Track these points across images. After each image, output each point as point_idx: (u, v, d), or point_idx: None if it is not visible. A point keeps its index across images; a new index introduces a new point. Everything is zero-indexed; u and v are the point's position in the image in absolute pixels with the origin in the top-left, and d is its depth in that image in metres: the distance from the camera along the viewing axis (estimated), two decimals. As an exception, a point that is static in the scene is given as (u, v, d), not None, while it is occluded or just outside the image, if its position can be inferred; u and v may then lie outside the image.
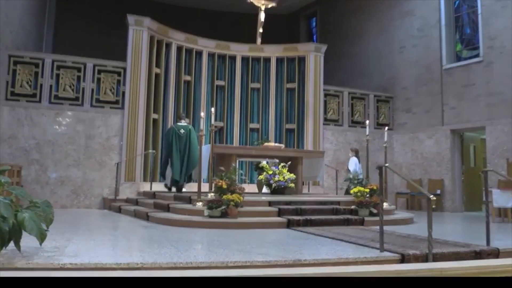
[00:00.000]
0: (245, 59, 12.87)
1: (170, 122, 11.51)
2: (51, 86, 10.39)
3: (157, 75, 11.52)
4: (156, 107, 11.43)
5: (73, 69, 10.61)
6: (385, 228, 5.38)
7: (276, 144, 10.78)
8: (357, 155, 10.84)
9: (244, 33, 13.46)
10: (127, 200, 10.12)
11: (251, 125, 12.76)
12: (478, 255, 4.77)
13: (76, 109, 10.51)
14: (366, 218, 7.52)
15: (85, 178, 10.38)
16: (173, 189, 9.61)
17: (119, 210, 9.35)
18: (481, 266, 2.21)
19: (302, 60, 12.89)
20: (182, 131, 9.51)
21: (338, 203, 8.18)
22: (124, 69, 10.97)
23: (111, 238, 5.56)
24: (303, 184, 10.66)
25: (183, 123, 9.70)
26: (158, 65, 11.56)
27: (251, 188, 10.75)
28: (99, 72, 10.81)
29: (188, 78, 12.13)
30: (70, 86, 10.53)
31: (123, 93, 10.90)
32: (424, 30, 12.94)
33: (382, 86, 14.17)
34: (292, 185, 8.89)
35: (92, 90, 10.68)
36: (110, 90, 10.85)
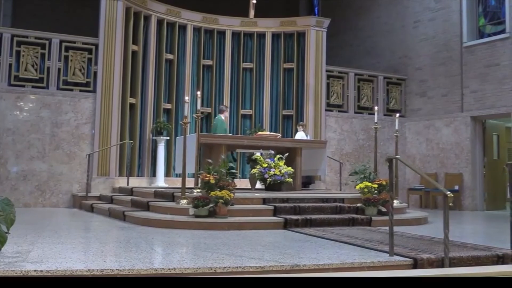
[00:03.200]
0: (236, 35, 12.82)
1: (149, 107, 11.48)
2: (10, 65, 10.28)
3: (134, 53, 11.45)
4: (134, 90, 11.38)
5: (36, 45, 10.51)
6: (396, 229, 5.42)
7: (272, 133, 10.78)
8: (304, 131, 11.06)
9: (234, 5, 13.38)
10: (101, 198, 10.10)
11: (243, 111, 12.75)
12: (500, 259, 4.82)
13: (40, 92, 10.43)
14: (373, 218, 7.55)
15: (52, 172, 10.34)
16: None
17: (91, 209, 9.33)
18: (504, 272, 2.25)
19: (301, 36, 12.86)
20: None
21: (342, 200, 8.22)
22: (96, 45, 10.87)
23: (82, 241, 5.56)
24: (309, 183, 10.71)
25: (222, 117, 10.57)
26: (135, 41, 11.48)
27: (243, 183, 10.77)
28: (67, 49, 10.71)
29: (170, 56, 12.07)
30: (32, 66, 10.43)
31: (95, 73, 10.82)
32: (442, 1, 12.95)
33: (393, 67, 14.18)
34: (290, 180, 8.92)
35: (59, 70, 10.59)
36: (80, 70, 10.77)
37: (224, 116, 10.82)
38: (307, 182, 11.34)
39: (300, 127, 11.22)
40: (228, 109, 11.71)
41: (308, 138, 10.89)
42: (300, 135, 10.81)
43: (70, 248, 4.79)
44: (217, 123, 10.60)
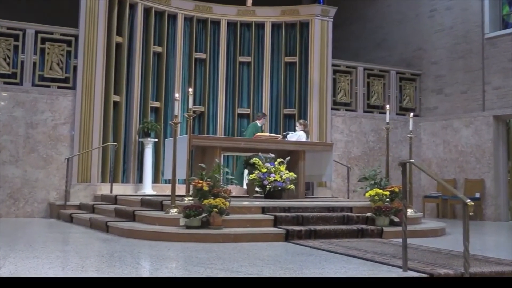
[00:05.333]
0: (232, 25, 12.82)
1: (135, 106, 11.47)
2: (-20, 59, 10.29)
3: (118, 46, 11.44)
4: (118, 86, 11.37)
5: (9, 36, 10.49)
6: (410, 241, 5.42)
7: (272, 135, 10.78)
8: (305, 130, 10.91)
9: (230, -8, 13.39)
10: (81, 207, 10.07)
11: (240, 110, 12.74)
12: (526, 275, 4.82)
13: (13, 89, 10.41)
14: (385, 229, 7.55)
15: (26, 178, 10.32)
16: None
17: (70, 219, 9.31)
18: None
19: (304, 26, 12.86)
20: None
21: (350, 209, 8.21)
22: (76, 37, 10.86)
23: (60, 255, 5.55)
24: (308, 189, 10.68)
25: (258, 123, 11.18)
26: (120, 32, 11.48)
27: (239, 190, 10.76)
28: (43, 41, 10.70)
29: (158, 49, 12.06)
30: (4, 59, 10.41)
31: (75, 68, 10.80)
32: (460, -12, 12.98)
33: (406, 60, 14.20)
34: (292, 186, 8.91)
35: (34, 64, 10.57)
36: (58, 64, 10.75)
37: (260, 123, 11.31)
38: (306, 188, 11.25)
39: (301, 126, 10.89)
40: (266, 116, 11.98)
41: (307, 139, 10.77)
42: (298, 135, 10.71)
43: (47, 263, 4.78)
44: (249, 128, 11.26)
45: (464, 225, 4.35)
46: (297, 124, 11.15)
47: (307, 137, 10.79)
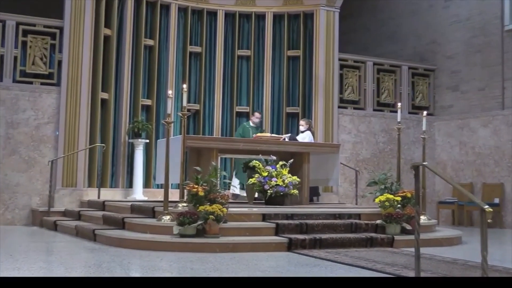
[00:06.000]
0: (230, 16, 12.81)
1: (124, 104, 11.46)
2: (-43, 53, 10.30)
3: (107, 38, 11.44)
4: (106, 83, 11.36)
5: (-11, 29, 10.51)
6: (423, 250, 5.41)
7: (273, 135, 10.77)
8: (311, 130, 10.93)
9: (228, -20, 13.39)
10: (66, 213, 10.08)
11: (238, 108, 12.72)
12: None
13: (-8, 85, 10.43)
14: (396, 237, 7.56)
15: (6, 182, 10.31)
16: None
17: (54, 226, 9.31)
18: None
19: (309, 17, 12.85)
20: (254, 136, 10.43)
21: (359, 216, 8.21)
22: (61, 29, 10.86)
23: (44, 266, 5.54)
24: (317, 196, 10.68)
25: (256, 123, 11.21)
26: (108, 24, 11.47)
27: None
28: (25, 33, 10.69)
29: (150, 42, 12.06)
30: (-16, 54, 10.44)
31: (59, 63, 10.80)
32: (478, -24, 12.99)
33: (419, 55, 14.19)
34: (295, 191, 8.91)
35: (15, 58, 10.57)
36: (41, 59, 10.75)
37: (254, 123, 11.27)
38: (312, 194, 11.25)
39: (306, 125, 10.86)
40: (259, 114, 11.76)
41: (311, 140, 10.74)
42: (307, 136, 10.71)
43: (29, 275, 4.77)
44: (237, 130, 11.38)
45: (482, 233, 4.34)
46: (301, 123, 11.09)
47: (314, 137, 10.83)
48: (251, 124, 11.24)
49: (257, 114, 11.48)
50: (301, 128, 10.92)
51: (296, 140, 10.52)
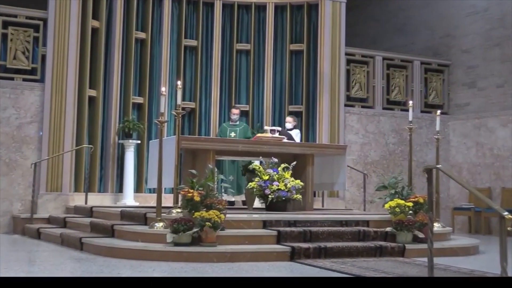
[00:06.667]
0: (228, 7, 12.81)
1: (114, 102, 11.47)
2: None
3: (95, 31, 11.45)
4: (94, 79, 11.37)
5: (-33, 21, 10.52)
6: (437, 260, 5.43)
7: (275, 136, 10.78)
8: (297, 128, 10.96)
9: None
10: (50, 220, 10.08)
11: (238, 107, 12.73)
12: None
13: (-29, 82, 10.44)
14: (407, 246, 7.56)
15: (-14, 186, 10.33)
16: None
17: (37, 234, 9.31)
18: None
19: (313, 8, 12.85)
20: (232, 134, 10.39)
21: (367, 223, 8.22)
22: (45, 21, 10.86)
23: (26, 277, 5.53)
24: (314, 196, 10.67)
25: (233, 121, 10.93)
26: (96, 15, 11.48)
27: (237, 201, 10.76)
28: (5, 25, 10.68)
29: (142, 35, 12.06)
30: (-38, 47, 10.46)
31: (43, 57, 10.80)
32: (496, -36, 13.01)
33: (432, 49, 14.19)
34: (298, 196, 8.92)
35: (-4, 53, 10.61)
36: (23, 53, 10.75)
37: (230, 120, 11.13)
38: None
39: (294, 122, 10.83)
40: (236, 110, 11.38)
41: (297, 139, 10.71)
42: (294, 134, 10.66)
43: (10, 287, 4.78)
44: (218, 130, 11.28)
45: (501, 242, 4.35)
46: (288, 119, 11.02)
47: (299, 136, 10.81)
48: (230, 122, 11.14)
49: (234, 110, 11.25)
50: (288, 125, 10.83)
51: (290, 135, 10.46)
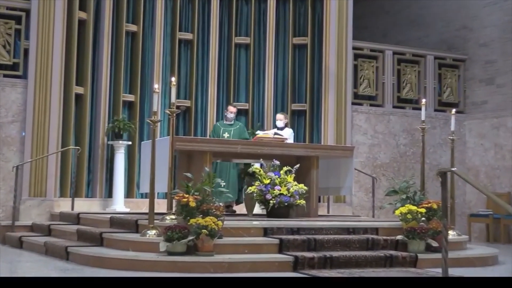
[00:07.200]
0: (225, -2, 12.84)
1: (103, 100, 11.46)
2: None
3: (82, 23, 11.45)
4: (81, 75, 11.36)
5: None
6: (452, 271, 5.41)
7: (277, 136, 10.76)
8: (288, 125, 10.93)
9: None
10: (33, 228, 10.07)
11: (236, 105, 12.72)
12: None
13: (-52, 78, 10.45)
14: (420, 256, 7.55)
15: (-35, 191, 10.33)
16: None
17: (19, 243, 9.28)
18: None
19: (318, 0, 12.88)
20: (226, 135, 10.28)
21: (376, 231, 8.21)
22: (27, 12, 10.87)
23: (7, 289, 5.51)
24: (319, 202, 10.65)
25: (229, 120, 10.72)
26: (83, 6, 11.47)
27: (235, 206, 10.74)
28: (-14, 17, 10.74)
29: (133, 28, 12.06)
30: None
31: (26, 52, 10.81)
32: (515, -50, 13.01)
33: (447, 42, 14.19)
34: (302, 202, 8.90)
35: (-25, 47, 10.62)
36: (4, 47, 10.76)
37: (226, 119, 10.88)
38: None
39: (285, 119, 10.77)
40: (232, 108, 11.05)
41: (291, 139, 10.62)
42: (287, 134, 10.59)
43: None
44: (213, 129, 10.99)
45: (522, 250, 4.33)
46: (279, 117, 10.83)
47: (292, 136, 10.82)
48: (224, 122, 10.96)
49: (230, 108, 10.91)
50: (279, 123, 10.67)
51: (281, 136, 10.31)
